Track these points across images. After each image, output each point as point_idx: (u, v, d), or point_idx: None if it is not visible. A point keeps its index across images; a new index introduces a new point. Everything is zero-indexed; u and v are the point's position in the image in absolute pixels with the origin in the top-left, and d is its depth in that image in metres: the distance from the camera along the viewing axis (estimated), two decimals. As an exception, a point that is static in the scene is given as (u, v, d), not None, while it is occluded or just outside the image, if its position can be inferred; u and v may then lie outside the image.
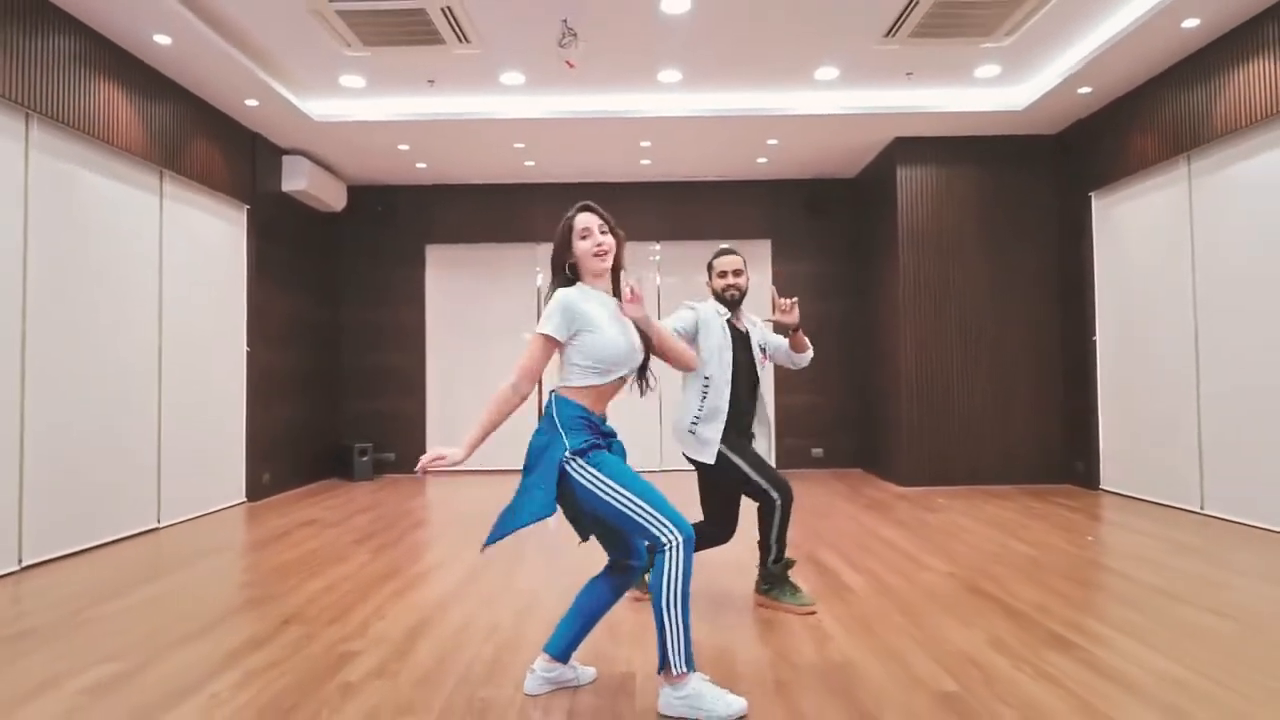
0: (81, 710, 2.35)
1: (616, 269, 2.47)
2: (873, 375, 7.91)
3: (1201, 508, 5.36)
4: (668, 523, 2.22)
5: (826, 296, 8.44)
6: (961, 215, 7.04)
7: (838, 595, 3.51)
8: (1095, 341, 6.53)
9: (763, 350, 3.48)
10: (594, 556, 2.69)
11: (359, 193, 8.34)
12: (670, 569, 2.20)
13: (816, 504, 6.11)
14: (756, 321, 3.56)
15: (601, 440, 2.36)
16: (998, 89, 6.24)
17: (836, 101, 6.34)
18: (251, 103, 5.94)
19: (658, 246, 8.48)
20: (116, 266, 4.99)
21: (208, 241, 6.06)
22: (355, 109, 6.36)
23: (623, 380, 2.41)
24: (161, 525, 5.36)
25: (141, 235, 5.26)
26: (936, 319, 7.00)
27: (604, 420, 2.42)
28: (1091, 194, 6.55)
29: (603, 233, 2.41)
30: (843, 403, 8.32)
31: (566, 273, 2.44)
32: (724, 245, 3.62)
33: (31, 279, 4.26)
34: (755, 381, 3.44)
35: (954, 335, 6.99)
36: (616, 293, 2.46)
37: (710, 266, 3.53)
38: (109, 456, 4.87)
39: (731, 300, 3.44)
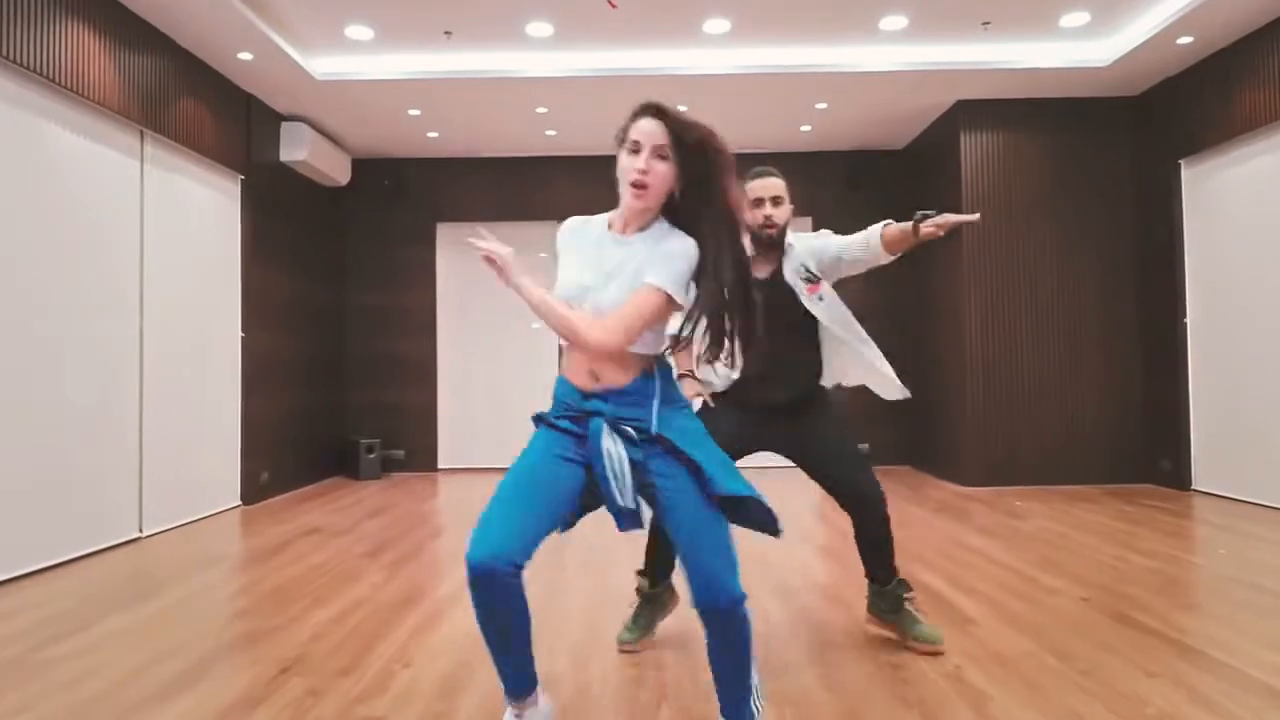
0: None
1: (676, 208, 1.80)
2: (925, 363, 7.24)
3: (1327, 512, 4.72)
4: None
5: (868, 278, 7.73)
6: (1031, 187, 6.37)
7: (960, 628, 2.86)
8: (1186, 325, 5.86)
9: (810, 280, 2.59)
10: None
11: (365, 166, 7.66)
12: None
13: (879, 507, 5.46)
14: (797, 244, 2.65)
15: (561, 419, 1.79)
16: (1082, 42, 5.55)
17: (899, 57, 5.66)
18: (245, 56, 5.26)
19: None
20: (91, 236, 4.32)
21: (197, 213, 5.39)
22: (362, 66, 5.68)
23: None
24: (144, 534, 4.70)
25: (120, 201, 4.59)
26: (1003, 302, 6.33)
27: (588, 396, 1.79)
28: (1181, 161, 5.88)
29: (659, 156, 1.73)
30: (889, 394, 7.65)
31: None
32: (760, 167, 2.67)
33: (-16, 249, 3.60)
34: (803, 329, 2.61)
35: (1023, 318, 6.33)
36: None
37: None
38: (83, 457, 4.21)
39: (769, 241, 2.60)
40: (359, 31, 5.22)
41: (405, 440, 7.72)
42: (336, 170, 7.11)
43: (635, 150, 1.74)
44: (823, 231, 2.73)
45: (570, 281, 1.82)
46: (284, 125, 6.47)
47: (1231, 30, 5.12)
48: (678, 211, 1.81)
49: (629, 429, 1.74)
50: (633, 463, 1.73)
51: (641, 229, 1.82)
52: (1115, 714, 2.15)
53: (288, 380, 6.60)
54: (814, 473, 2.69)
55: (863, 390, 2.83)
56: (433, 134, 7.03)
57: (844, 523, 2.66)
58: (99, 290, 4.39)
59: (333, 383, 7.54)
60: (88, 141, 4.33)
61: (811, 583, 3.55)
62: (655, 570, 2.73)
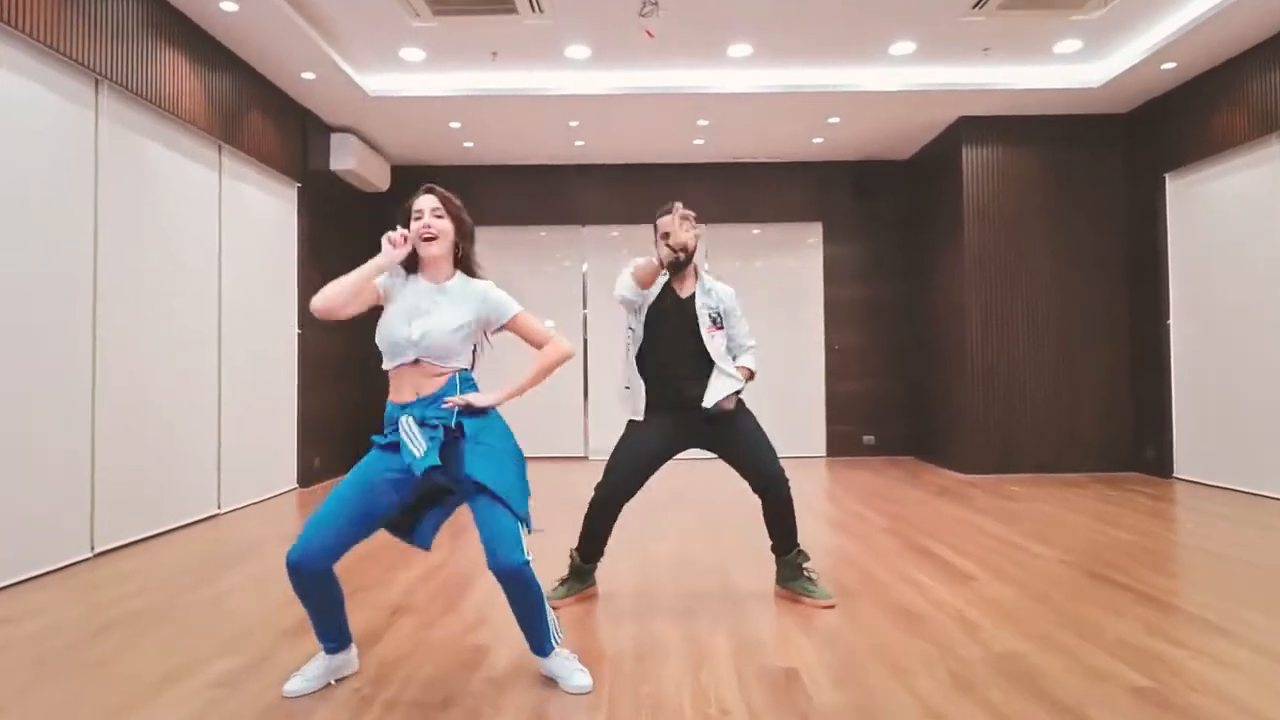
0: (216, 705, 2.21)
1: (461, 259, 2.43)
2: (928, 359, 7.74)
3: (1292, 496, 5.21)
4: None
5: (876, 279, 8.28)
6: (1027, 196, 6.87)
7: (961, 583, 3.36)
8: (1169, 326, 6.36)
9: (714, 320, 3.15)
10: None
11: (402, 172, 8.16)
12: None
13: (886, 491, 5.96)
14: (714, 288, 3.22)
15: (385, 435, 2.29)
16: (1075, 65, 6.05)
17: (906, 78, 6.16)
18: (308, 76, 5.76)
19: (703, 229, 8.31)
20: (181, 245, 4.82)
21: (262, 220, 5.90)
22: (412, 84, 6.17)
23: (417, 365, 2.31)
24: (222, 511, 5.21)
25: (204, 212, 5.10)
26: (1002, 302, 6.83)
27: (405, 406, 2.29)
28: (1166, 175, 6.37)
29: (436, 216, 2.36)
30: (893, 388, 8.15)
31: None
32: (670, 204, 3.10)
33: (103, 257, 4.09)
34: (699, 353, 3.10)
35: (1020, 319, 6.83)
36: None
37: (656, 225, 3.16)
38: (174, 441, 4.72)
39: (677, 264, 3.06)
40: (412, 53, 5.72)
41: (438, 431, 8.20)
42: (378, 177, 7.61)
43: (417, 217, 2.35)
44: (736, 298, 3.29)
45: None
46: (333, 136, 6.97)
47: (1212, 56, 5.61)
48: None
49: (431, 419, 2.25)
50: (441, 459, 2.23)
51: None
52: (1088, 641, 2.64)
53: (338, 375, 7.10)
54: (732, 461, 3.18)
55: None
56: (468, 144, 7.51)
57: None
58: (188, 295, 4.89)
59: (378, 377, 8.01)
60: (179, 156, 4.83)
61: (830, 550, 4.04)
62: (583, 552, 3.19)
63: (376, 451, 2.28)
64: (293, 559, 2.14)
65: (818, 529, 4.56)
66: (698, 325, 3.12)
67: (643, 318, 3.15)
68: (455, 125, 6.96)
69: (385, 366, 2.35)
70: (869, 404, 8.21)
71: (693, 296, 3.17)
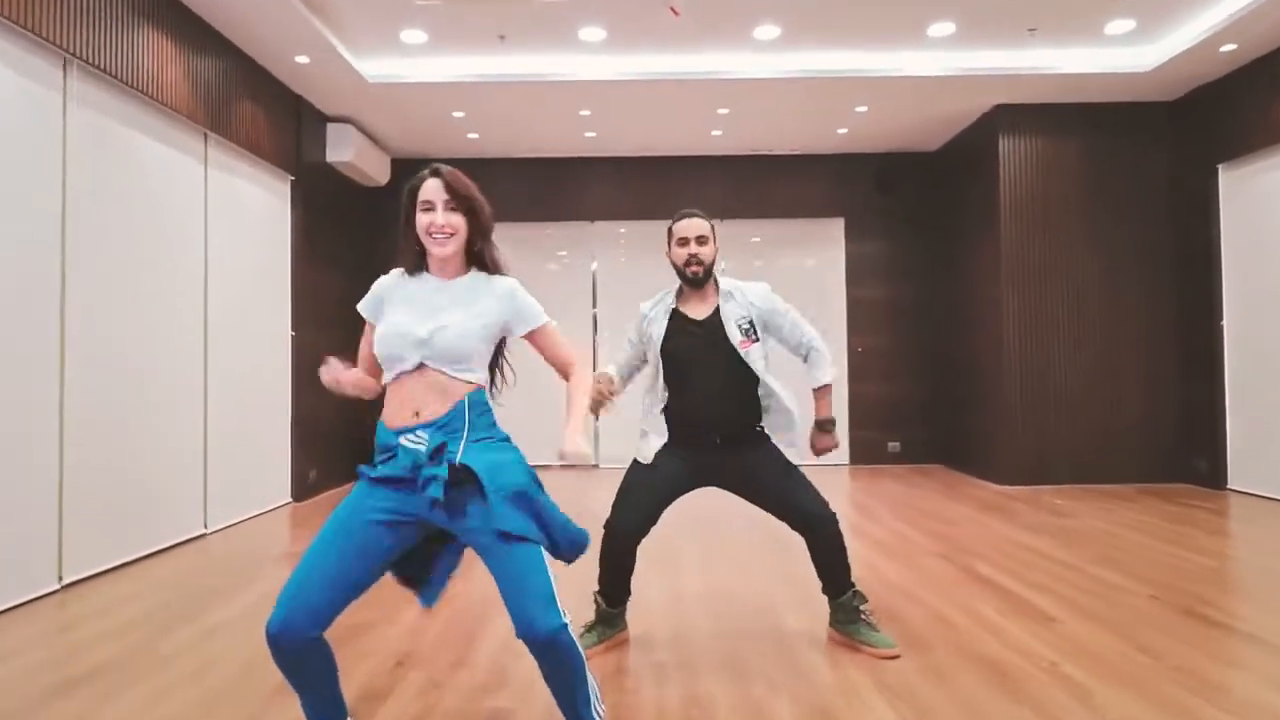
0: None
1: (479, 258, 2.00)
2: (957, 362, 7.34)
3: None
4: None
5: (900, 277, 7.87)
6: (1067, 189, 6.46)
7: (1044, 625, 2.96)
8: (1223, 326, 5.96)
9: (747, 334, 2.68)
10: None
11: (404, 166, 7.73)
12: None
13: (922, 503, 5.56)
14: (738, 291, 2.74)
15: (379, 465, 1.86)
16: (1126, 48, 5.64)
17: (944, 62, 5.74)
18: (302, 59, 5.34)
19: (718, 223, 7.91)
20: (161, 239, 4.41)
21: (252, 214, 5.48)
22: (413, 69, 5.76)
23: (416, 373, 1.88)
24: (209, 530, 4.80)
25: (187, 204, 4.69)
26: (1041, 302, 6.42)
27: (400, 432, 1.85)
28: (1219, 166, 5.97)
29: (449, 210, 1.91)
30: (918, 392, 7.73)
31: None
32: (687, 209, 2.82)
33: (71, 255, 3.68)
34: (733, 377, 2.67)
35: (1060, 320, 6.42)
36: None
37: (670, 232, 2.77)
38: (154, 455, 4.31)
39: (693, 278, 2.71)
40: (413, 35, 5.30)
41: (441, 437, 7.80)
42: (378, 170, 7.19)
43: (428, 209, 1.92)
44: (773, 293, 2.81)
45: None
46: (330, 126, 6.55)
47: (1273, 39, 5.21)
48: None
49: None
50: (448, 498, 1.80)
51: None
52: (1204, 699, 2.25)
53: (333, 378, 6.68)
54: (760, 503, 2.77)
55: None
56: (473, 135, 7.10)
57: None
58: (172, 292, 4.48)
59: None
60: (160, 144, 4.42)
61: (883, 581, 3.64)
62: (607, 595, 2.80)
63: (365, 486, 1.85)
64: (273, 631, 1.71)
65: (858, 550, 4.15)
66: (728, 345, 2.67)
67: (657, 358, 2.72)
68: (459, 115, 6.55)
69: (384, 380, 1.93)
70: (893, 409, 7.81)
71: (716, 312, 2.72)
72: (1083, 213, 6.44)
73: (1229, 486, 5.88)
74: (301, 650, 1.75)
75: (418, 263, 1.99)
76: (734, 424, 2.71)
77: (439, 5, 4.84)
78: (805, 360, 2.83)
